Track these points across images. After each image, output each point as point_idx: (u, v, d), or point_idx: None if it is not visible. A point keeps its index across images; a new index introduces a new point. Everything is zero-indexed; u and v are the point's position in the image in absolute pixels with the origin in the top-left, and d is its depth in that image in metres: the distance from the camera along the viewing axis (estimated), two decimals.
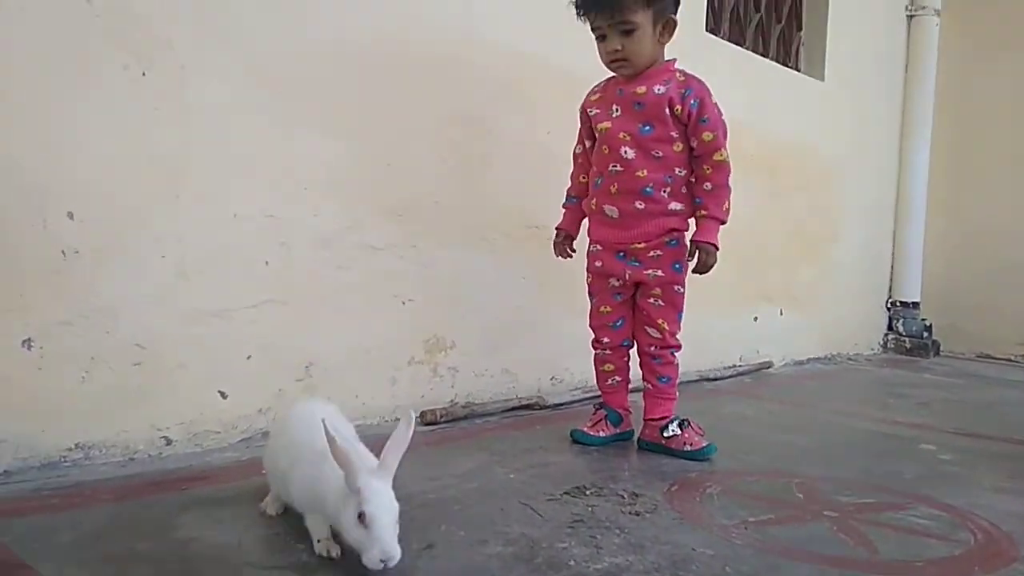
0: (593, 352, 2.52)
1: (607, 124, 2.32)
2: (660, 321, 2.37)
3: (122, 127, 1.99)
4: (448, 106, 2.73)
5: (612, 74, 2.36)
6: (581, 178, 2.49)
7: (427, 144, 2.67)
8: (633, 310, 2.43)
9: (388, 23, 2.55)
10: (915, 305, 5.28)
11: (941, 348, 5.23)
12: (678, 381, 2.46)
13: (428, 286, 2.69)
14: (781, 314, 4.42)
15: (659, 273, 2.32)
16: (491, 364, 2.93)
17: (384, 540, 1.30)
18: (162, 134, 2.06)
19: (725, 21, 4.24)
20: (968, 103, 5.36)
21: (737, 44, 4.14)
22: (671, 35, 2.28)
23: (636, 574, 1.51)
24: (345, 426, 1.67)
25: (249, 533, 1.61)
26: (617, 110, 2.30)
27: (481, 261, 2.86)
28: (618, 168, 2.30)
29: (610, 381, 2.51)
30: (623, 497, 1.95)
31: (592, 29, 2.28)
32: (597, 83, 2.44)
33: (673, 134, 2.25)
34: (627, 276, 2.35)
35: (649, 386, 2.44)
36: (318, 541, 1.49)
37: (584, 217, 2.49)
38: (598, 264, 2.41)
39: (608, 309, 2.43)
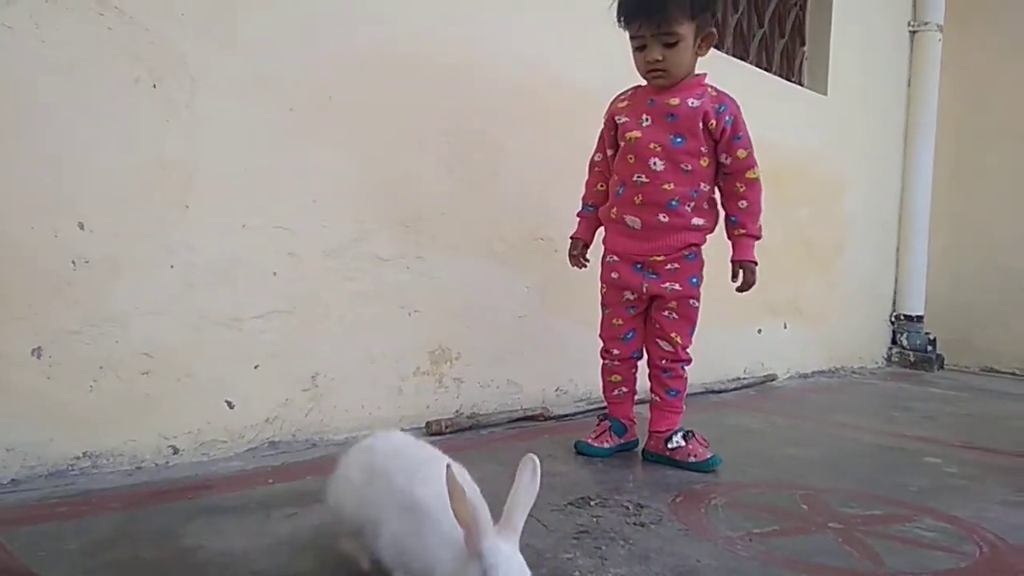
0: (601, 362, 2.51)
1: (637, 133, 2.26)
2: (673, 335, 2.35)
3: (133, 138, 2.02)
4: (455, 118, 2.75)
5: (640, 83, 2.34)
6: (599, 186, 2.44)
7: (434, 155, 2.69)
8: (645, 323, 2.41)
9: (397, 34, 2.57)
10: (919, 319, 5.28)
11: (945, 362, 5.23)
12: (686, 394, 2.46)
13: (434, 297, 2.71)
14: (785, 327, 4.43)
15: (676, 287, 2.31)
16: (496, 375, 2.93)
17: None
18: (172, 145, 2.08)
19: (728, 36, 4.27)
20: (971, 117, 5.38)
21: (741, 59, 4.17)
22: (709, 49, 2.26)
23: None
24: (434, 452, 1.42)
25: (255, 542, 1.62)
26: (648, 120, 2.25)
27: (487, 272, 2.87)
28: (644, 179, 2.25)
29: (616, 392, 2.49)
30: (628, 508, 1.95)
31: (632, 38, 2.23)
32: (623, 91, 2.40)
33: (703, 149, 2.23)
34: (644, 289, 2.32)
35: (657, 398, 2.42)
36: None
37: (599, 226, 2.47)
38: (614, 276, 2.37)
39: (620, 322, 2.41)
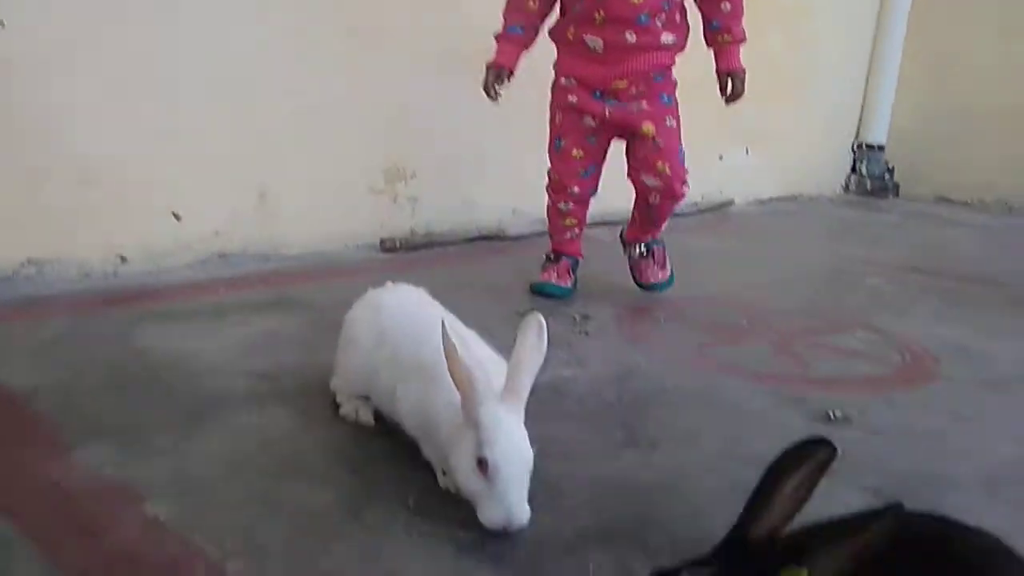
0: (552, 202, 2.22)
1: None
2: (660, 164, 2.04)
3: None
4: None
5: None
6: (532, 3, 2.05)
7: None
8: (604, 158, 2.16)
9: None
10: (880, 148, 5.29)
11: (901, 190, 5.30)
12: (668, 221, 2.28)
13: (387, 112, 2.61)
14: (747, 153, 4.41)
15: (644, 106, 2.03)
16: (452, 195, 2.90)
17: (510, 501, 0.96)
18: None
19: None
20: None
21: None
22: None
23: (581, 384, 1.59)
24: (456, 325, 1.25)
25: (207, 344, 1.64)
26: None
27: (444, 89, 2.76)
28: None
29: (569, 235, 2.26)
30: (575, 319, 2.01)
31: None
32: None
33: None
34: (606, 115, 2.04)
35: (641, 249, 2.28)
36: (443, 473, 1.12)
37: (524, 50, 2.10)
38: (572, 99, 2.07)
39: (580, 153, 2.10)
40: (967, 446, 1.42)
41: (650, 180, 2.08)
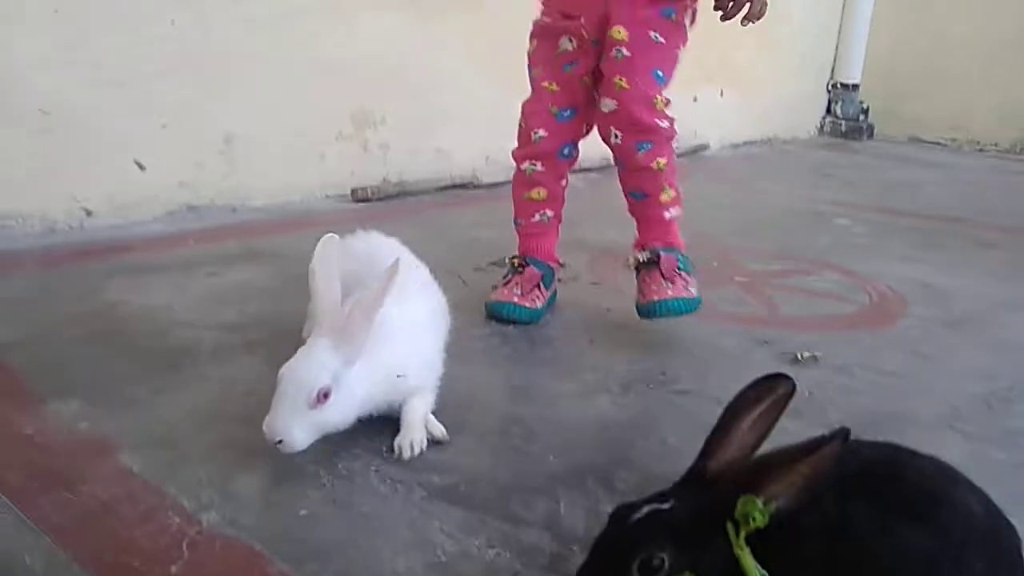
0: (514, 168, 1.68)
1: None
2: (617, 79, 1.49)
3: None
4: None
5: None
6: None
7: None
8: (590, 101, 1.61)
9: None
10: (855, 88, 5.28)
11: (875, 131, 5.31)
12: (667, 192, 1.62)
13: (354, 54, 2.55)
14: (721, 95, 4.38)
15: (622, 8, 1.51)
16: (424, 142, 2.87)
17: (270, 413, 0.99)
18: None
19: None
20: None
21: None
22: None
23: (551, 329, 1.61)
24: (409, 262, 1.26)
25: (177, 297, 1.64)
26: None
27: (413, 29, 2.70)
28: None
29: (538, 217, 1.68)
30: None
31: None
32: None
33: None
34: (583, 26, 1.54)
35: (638, 227, 1.67)
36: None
37: None
38: (546, 19, 1.63)
39: (554, 86, 1.59)
40: (930, 384, 1.46)
41: (606, 104, 1.51)
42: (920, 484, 0.73)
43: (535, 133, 1.60)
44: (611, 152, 1.59)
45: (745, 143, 4.68)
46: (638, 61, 1.50)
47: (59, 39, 1.92)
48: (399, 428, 1.11)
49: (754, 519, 0.66)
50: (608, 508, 0.97)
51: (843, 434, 0.66)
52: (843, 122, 5.29)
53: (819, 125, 5.37)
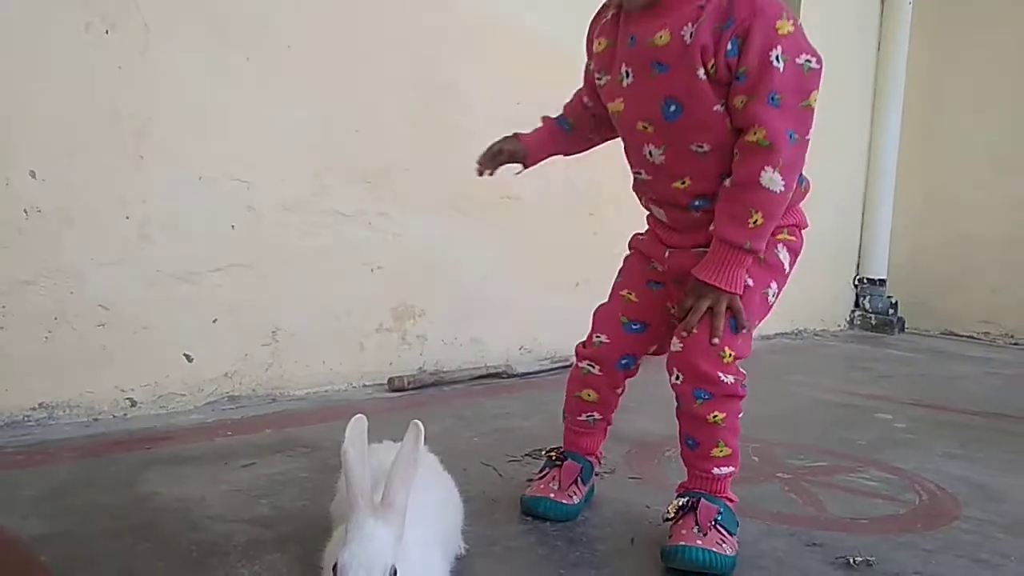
0: (574, 364, 1.66)
1: (619, 104, 1.46)
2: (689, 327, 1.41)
3: (85, 86, 1.98)
4: (421, 69, 2.72)
5: None
6: (586, 101, 1.66)
7: (397, 110, 2.67)
8: (664, 326, 1.57)
9: None
10: (882, 282, 5.38)
11: (906, 325, 5.34)
12: (720, 448, 1.45)
13: (397, 254, 2.70)
14: None
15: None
16: (460, 332, 2.95)
17: None
18: (125, 94, 2.04)
19: None
20: (940, 81, 5.43)
21: None
22: None
23: (590, 528, 1.56)
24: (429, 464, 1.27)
25: (212, 489, 1.63)
26: (628, 75, 1.41)
27: (452, 230, 2.87)
28: (645, 175, 1.50)
29: (584, 416, 1.64)
30: None
31: None
32: (604, 7, 1.54)
33: (719, 106, 1.34)
34: (667, 255, 1.52)
35: (687, 466, 1.51)
36: None
37: (559, 151, 1.76)
38: (641, 238, 1.64)
39: (632, 296, 1.58)
40: None
41: (674, 342, 1.43)
42: None
43: (597, 337, 1.59)
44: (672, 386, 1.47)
45: (776, 335, 4.72)
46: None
47: (124, 240, 2.07)
48: None
49: None
50: None
51: None
52: (872, 316, 5.34)
53: (848, 318, 5.42)
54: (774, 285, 1.47)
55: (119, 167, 2.05)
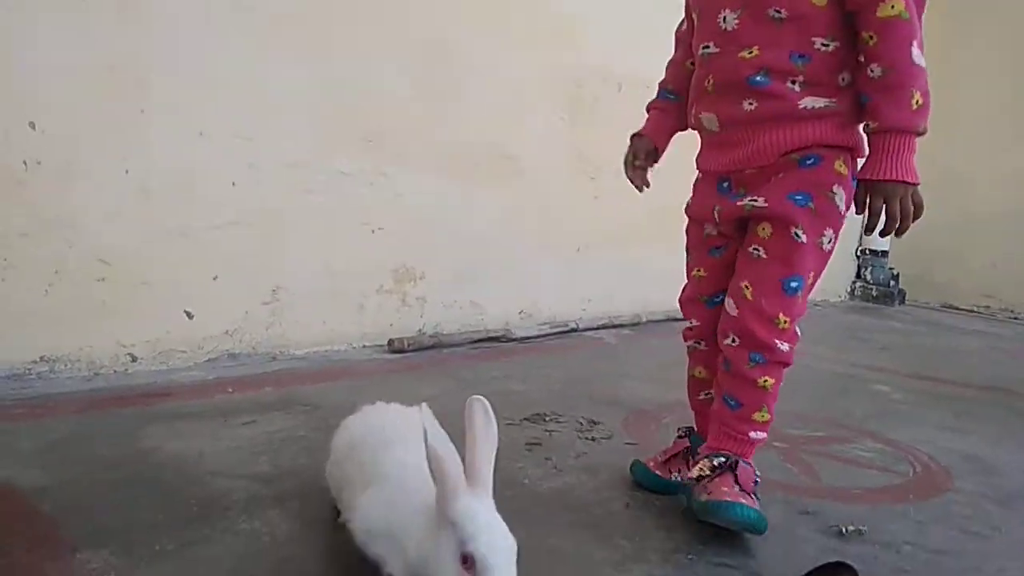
0: (685, 345, 1.64)
1: None
2: (744, 285, 1.40)
3: (85, 37, 1.95)
4: (422, 30, 2.68)
5: None
6: (688, 63, 1.54)
7: (398, 69, 2.63)
8: None
9: None
10: (884, 254, 5.37)
11: (907, 297, 5.34)
12: (763, 412, 1.43)
13: (398, 215, 2.69)
14: None
15: (760, 203, 1.38)
16: (460, 296, 2.95)
17: None
18: (126, 45, 2.01)
19: None
20: (949, 55, 5.35)
21: None
22: None
23: (586, 492, 1.57)
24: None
25: (212, 445, 1.64)
26: None
27: (452, 192, 2.85)
28: (712, 48, 1.40)
29: (703, 395, 1.61)
30: (581, 424, 2.01)
31: None
32: None
33: None
34: (715, 214, 1.47)
35: (714, 423, 1.49)
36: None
37: (679, 125, 1.62)
38: (691, 201, 1.58)
39: (702, 272, 1.55)
40: (980, 565, 1.39)
41: (729, 304, 1.42)
42: None
43: (691, 322, 1.58)
44: (720, 344, 1.46)
45: None
46: (769, 266, 1.37)
47: (125, 194, 2.05)
48: None
49: None
50: None
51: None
52: (874, 287, 5.34)
53: (849, 289, 5.42)
54: (829, 231, 1.38)
55: (120, 120, 2.03)
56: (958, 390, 2.80)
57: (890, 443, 2.06)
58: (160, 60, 2.07)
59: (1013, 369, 3.35)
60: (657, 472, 1.59)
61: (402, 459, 1.09)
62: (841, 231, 1.40)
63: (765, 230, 1.38)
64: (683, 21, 1.60)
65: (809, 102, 1.32)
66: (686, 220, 1.60)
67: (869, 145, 1.32)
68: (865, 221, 1.32)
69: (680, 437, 1.64)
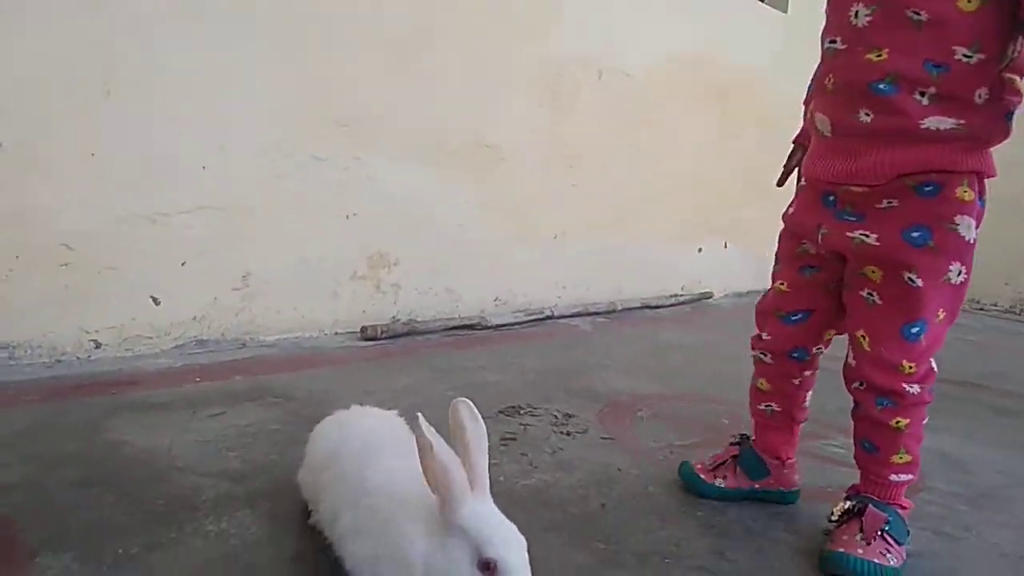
0: (751, 353, 1.59)
1: None
2: (860, 334, 1.34)
3: (52, 19, 1.86)
4: (396, 18, 2.61)
5: None
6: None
7: (373, 55, 2.57)
8: (831, 308, 1.45)
9: None
10: None
11: None
12: (901, 454, 1.38)
13: (372, 201, 2.64)
14: (725, 247, 4.49)
15: (872, 240, 1.28)
16: (434, 283, 2.91)
17: None
18: (94, 28, 1.93)
19: None
20: None
21: None
22: None
23: (562, 490, 1.56)
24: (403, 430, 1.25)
25: (180, 438, 1.60)
26: None
27: (428, 178, 2.81)
28: (837, 45, 1.28)
29: (763, 406, 1.58)
30: (556, 417, 1.99)
31: None
32: None
33: None
34: (820, 236, 1.37)
35: (861, 466, 1.44)
36: None
37: None
38: (791, 211, 1.48)
39: (785, 287, 1.47)
40: (953, 566, 1.40)
41: (849, 352, 1.39)
42: None
43: (763, 333, 1.53)
44: (848, 388, 1.42)
45: (749, 292, 4.74)
46: (885, 313, 1.30)
47: (91, 179, 1.98)
48: None
49: None
50: None
51: None
52: None
53: None
54: (956, 265, 1.27)
55: (86, 102, 1.95)
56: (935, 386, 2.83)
57: None
58: (128, 42, 2.00)
59: (981, 363, 3.40)
60: (702, 476, 1.58)
61: (390, 472, 1.06)
62: (973, 258, 1.28)
63: (875, 273, 1.29)
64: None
65: (933, 123, 1.19)
66: (781, 226, 1.50)
67: None
68: None
69: (732, 443, 1.62)
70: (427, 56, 2.72)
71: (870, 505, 1.36)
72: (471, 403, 1.01)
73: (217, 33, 2.16)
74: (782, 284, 1.47)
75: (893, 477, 1.38)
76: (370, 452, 1.13)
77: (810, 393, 1.58)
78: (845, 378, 1.41)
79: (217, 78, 2.18)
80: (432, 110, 2.77)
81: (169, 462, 1.48)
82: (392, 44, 2.61)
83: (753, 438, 1.63)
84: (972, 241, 1.26)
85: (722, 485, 1.57)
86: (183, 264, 2.19)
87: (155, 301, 2.15)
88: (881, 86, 1.20)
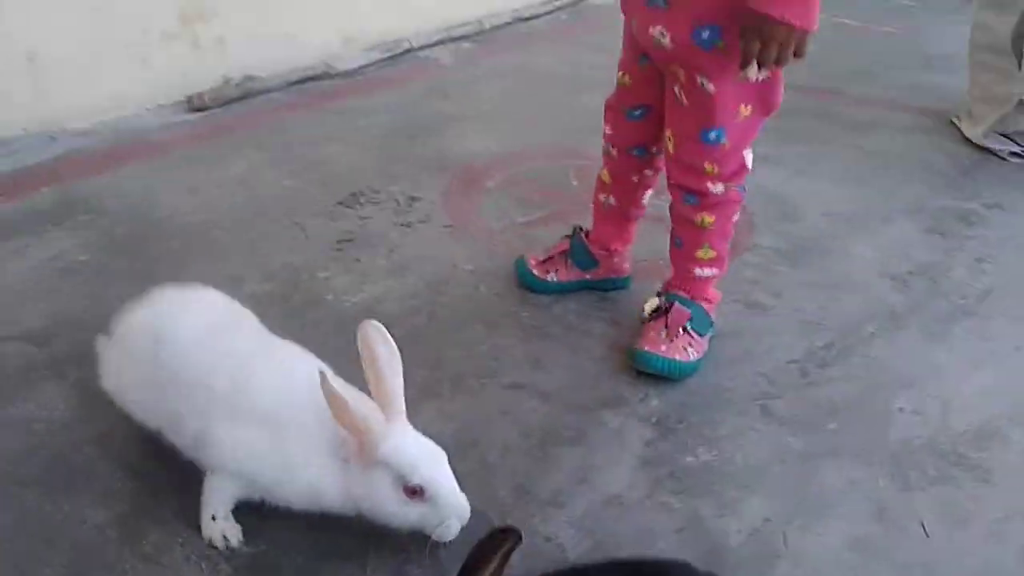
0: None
1: None
2: (669, 135, 1.36)
3: None
4: None
5: None
6: None
7: None
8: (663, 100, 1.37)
9: None
10: None
11: None
12: (705, 249, 1.42)
13: None
14: None
15: (666, 42, 1.24)
16: (267, 28, 2.57)
17: (460, 505, 0.97)
18: None
19: None
20: None
21: None
22: None
23: (393, 302, 1.56)
24: (245, 315, 1.15)
25: None
26: None
27: None
28: None
29: (602, 197, 1.59)
30: (399, 203, 1.93)
31: None
32: None
33: None
34: (632, 26, 1.34)
35: (672, 262, 1.50)
36: (212, 519, 1.03)
37: None
38: None
39: (627, 80, 1.43)
40: (751, 349, 1.48)
41: (666, 142, 1.39)
42: None
43: (606, 128, 1.51)
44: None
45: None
46: (686, 115, 1.29)
47: None
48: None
49: None
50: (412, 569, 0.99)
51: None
52: None
53: None
54: (746, 104, 1.26)
55: None
56: (795, 99, 2.76)
57: None
58: None
59: (846, 59, 3.17)
60: (535, 273, 1.61)
61: (275, 389, 1.01)
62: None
63: (680, 72, 1.26)
64: None
65: None
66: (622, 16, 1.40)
67: None
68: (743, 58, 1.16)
69: (565, 237, 1.63)
70: None
71: (676, 303, 1.43)
72: (382, 326, 0.99)
73: None
74: (624, 76, 1.43)
75: (698, 271, 1.44)
76: (240, 359, 1.03)
77: (649, 192, 1.57)
78: (667, 172, 1.42)
79: None
80: None
81: None
82: None
83: (580, 227, 1.64)
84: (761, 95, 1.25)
85: (555, 279, 1.60)
86: None
87: None
88: None
